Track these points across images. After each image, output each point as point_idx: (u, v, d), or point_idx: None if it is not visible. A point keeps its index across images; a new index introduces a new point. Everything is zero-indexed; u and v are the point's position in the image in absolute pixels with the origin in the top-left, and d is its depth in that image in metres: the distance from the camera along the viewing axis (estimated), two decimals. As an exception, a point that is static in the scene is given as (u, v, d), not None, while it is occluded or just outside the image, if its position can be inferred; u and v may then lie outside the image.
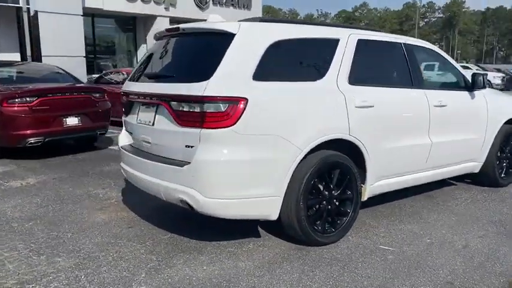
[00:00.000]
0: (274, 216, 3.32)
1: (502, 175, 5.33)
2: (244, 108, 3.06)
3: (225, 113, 3.05)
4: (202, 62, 3.35)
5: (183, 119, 3.21)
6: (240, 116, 3.06)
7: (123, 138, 4.15)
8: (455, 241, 3.79)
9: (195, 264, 3.31)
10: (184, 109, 3.20)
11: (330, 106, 3.55)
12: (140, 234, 3.86)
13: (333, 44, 3.71)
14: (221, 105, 3.05)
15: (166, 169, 3.35)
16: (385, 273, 3.20)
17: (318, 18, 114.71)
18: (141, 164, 3.64)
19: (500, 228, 4.10)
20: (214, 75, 3.10)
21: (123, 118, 4.14)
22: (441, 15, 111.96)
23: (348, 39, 3.75)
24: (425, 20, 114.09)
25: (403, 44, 4.32)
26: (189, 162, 3.21)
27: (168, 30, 3.81)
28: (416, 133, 4.23)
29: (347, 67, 3.70)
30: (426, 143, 4.30)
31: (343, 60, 3.70)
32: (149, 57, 4.03)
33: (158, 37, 4.04)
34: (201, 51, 3.48)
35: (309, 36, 3.65)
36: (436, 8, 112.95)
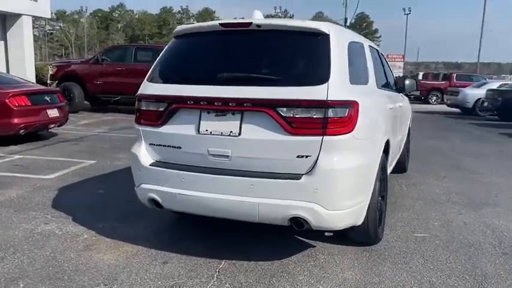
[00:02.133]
0: (360, 221, 3.32)
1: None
2: (358, 112, 2.99)
3: (346, 118, 2.92)
4: (301, 63, 3.08)
5: (297, 127, 2.89)
6: (357, 121, 2.97)
7: (149, 154, 3.37)
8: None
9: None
10: (301, 115, 2.89)
11: (383, 107, 3.75)
12: (192, 267, 3.30)
13: (362, 48, 3.89)
14: (343, 109, 2.91)
15: (270, 184, 2.95)
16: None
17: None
18: (217, 183, 3.07)
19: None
20: (330, 78, 2.92)
21: (150, 129, 3.36)
22: (195, 22, 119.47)
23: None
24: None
25: (377, 49, 4.79)
26: (302, 174, 2.93)
27: (225, 25, 3.28)
28: (397, 129, 4.78)
29: (372, 70, 3.95)
30: (401, 137, 4.93)
31: (369, 64, 3.92)
32: (187, 54, 3.40)
33: (197, 32, 3.44)
34: (293, 51, 3.16)
35: (359, 41, 3.74)
36: (191, 14, 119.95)
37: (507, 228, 4.22)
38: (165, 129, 3.26)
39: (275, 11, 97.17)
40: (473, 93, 17.54)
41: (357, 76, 3.35)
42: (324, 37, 3.08)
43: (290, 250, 3.59)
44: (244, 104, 2.98)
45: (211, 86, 3.10)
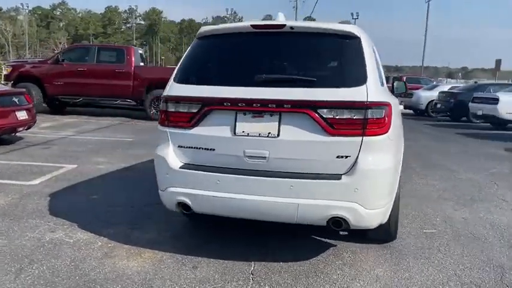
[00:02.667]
0: (386, 220, 3.40)
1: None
2: (391, 113, 3.10)
3: (382, 119, 3.01)
4: (337, 65, 3.14)
5: (338, 128, 2.95)
6: (391, 122, 3.08)
7: (178, 157, 3.30)
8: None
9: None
10: (342, 116, 2.95)
11: (399, 109, 3.89)
12: (223, 270, 3.28)
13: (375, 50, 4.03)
14: (380, 111, 3.00)
15: (310, 185, 2.98)
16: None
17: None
18: (255, 185, 3.06)
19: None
20: (368, 79, 3.01)
21: (179, 131, 3.29)
22: (142, 21, 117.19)
23: None
24: (128, 25, 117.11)
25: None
26: (342, 174, 2.99)
27: (257, 26, 3.28)
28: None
29: (382, 72, 4.09)
30: None
31: (380, 66, 4.06)
32: (217, 55, 3.37)
33: (226, 33, 3.41)
34: (328, 53, 3.21)
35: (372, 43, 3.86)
36: (137, 14, 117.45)
37: (502, 222, 4.49)
38: (197, 131, 3.21)
39: (227, 12, 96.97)
40: (426, 96, 18.43)
41: (381, 78, 3.46)
42: (356, 40, 3.15)
43: (313, 250, 3.64)
44: (285, 106, 2.99)
45: (249, 88, 3.09)
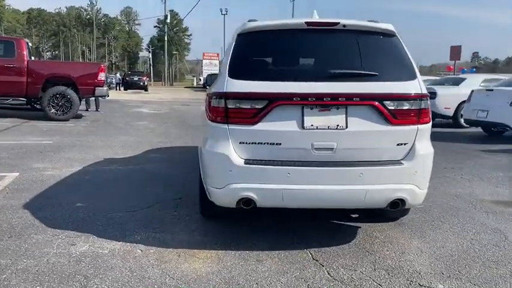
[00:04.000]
0: None
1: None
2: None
3: (428, 108, 3.43)
4: (389, 60, 3.44)
5: (400, 117, 3.28)
6: (430, 111, 3.52)
7: (239, 153, 3.29)
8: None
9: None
10: (402, 107, 3.29)
11: None
12: (287, 259, 3.41)
13: None
14: (427, 101, 3.41)
15: (374, 171, 3.27)
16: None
17: None
18: (325, 175, 3.23)
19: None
20: (417, 73, 3.40)
21: (241, 127, 3.28)
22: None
23: None
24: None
25: None
26: (401, 160, 3.34)
27: (312, 23, 3.41)
28: None
29: None
30: None
31: None
32: (274, 51, 3.43)
33: (280, 29, 3.48)
34: (378, 49, 3.48)
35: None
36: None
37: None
38: (261, 126, 3.24)
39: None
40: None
41: None
42: (396, 37, 3.51)
43: (346, 233, 3.92)
44: (354, 99, 3.21)
45: (316, 83, 3.23)
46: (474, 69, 42.83)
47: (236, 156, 3.27)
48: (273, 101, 3.21)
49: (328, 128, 3.22)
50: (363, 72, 3.32)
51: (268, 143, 3.25)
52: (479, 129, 11.38)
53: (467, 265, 3.32)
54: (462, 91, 11.87)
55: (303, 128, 3.21)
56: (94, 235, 3.76)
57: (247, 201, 3.30)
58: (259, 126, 3.24)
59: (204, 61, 59.83)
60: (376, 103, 3.22)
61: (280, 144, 3.25)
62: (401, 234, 3.93)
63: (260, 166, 3.23)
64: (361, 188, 3.24)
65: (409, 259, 3.42)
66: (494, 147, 9.18)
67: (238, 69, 3.34)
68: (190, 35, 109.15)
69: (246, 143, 3.27)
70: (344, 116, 3.23)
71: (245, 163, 3.25)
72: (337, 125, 3.22)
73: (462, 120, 11.85)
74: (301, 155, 3.25)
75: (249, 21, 3.60)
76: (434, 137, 3.64)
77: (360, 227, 4.10)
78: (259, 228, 4.01)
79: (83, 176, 5.92)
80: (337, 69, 3.31)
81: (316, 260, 3.38)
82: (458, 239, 3.85)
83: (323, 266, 3.28)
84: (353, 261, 3.35)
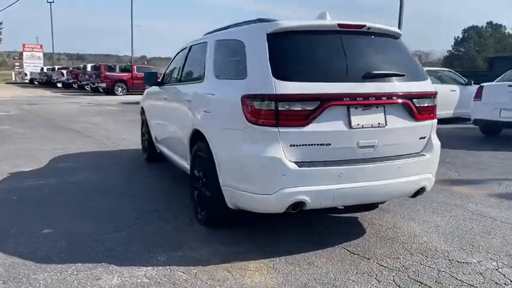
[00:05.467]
0: None
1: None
2: None
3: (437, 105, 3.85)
4: (407, 61, 3.70)
5: (423, 114, 3.60)
6: None
7: (290, 156, 3.20)
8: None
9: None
10: (425, 104, 3.61)
11: None
12: (343, 261, 3.49)
13: None
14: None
15: (407, 164, 3.53)
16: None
17: None
18: (370, 172, 3.36)
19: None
20: (427, 73, 3.79)
21: (292, 130, 3.19)
22: None
23: None
24: None
25: None
26: (421, 152, 3.70)
27: (343, 25, 3.45)
28: None
29: None
30: None
31: None
32: (312, 51, 3.38)
33: (312, 30, 3.43)
34: (397, 51, 3.69)
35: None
36: None
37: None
38: (312, 128, 3.21)
39: None
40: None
41: None
42: (399, 40, 3.83)
43: (354, 225, 4.13)
44: (393, 98, 3.41)
45: (361, 83, 3.34)
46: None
47: (288, 159, 3.17)
48: (325, 102, 3.20)
49: (372, 126, 3.35)
50: (396, 72, 3.53)
51: (318, 144, 3.24)
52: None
53: (472, 238, 3.81)
54: None
55: (351, 127, 3.28)
56: (110, 264, 3.25)
57: (296, 205, 3.24)
58: (310, 127, 3.20)
59: (25, 53, 53.24)
60: (408, 101, 3.47)
61: (330, 144, 3.26)
62: (398, 220, 4.28)
63: (313, 168, 3.20)
64: (400, 181, 3.47)
65: (426, 241, 3.77)
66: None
67: (282, 70, 3.22)
68: (1, 23, 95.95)
69: (297, 145, 3.20)
70: (383, 114, 3.41)
71: (299, 166, 3.18)
72: (379, 123, 3.38)
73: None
74: (347, 154, 3.33)
75: (270, 20, 3.51)
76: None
77: (358, 217, 4.33)
78: (273, 231, 3.95)
79: (6, 196, 4.93)
80: (374, 70, 3.45)
81: (358, 254, 3.49)
82: (444, 218, 4.37)
83: (369, 259, 3.41)
84: (389, 250, 3.56)
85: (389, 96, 3.41)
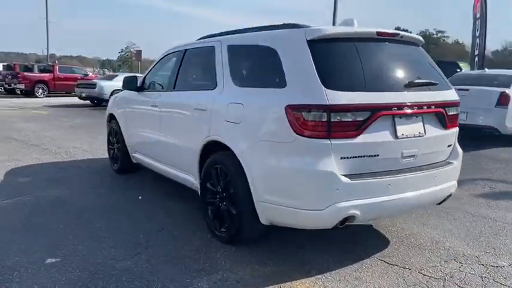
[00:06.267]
0: None
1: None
2: None
3: None
4: (434, 69, 3.73)
5: (451, 122, 3.67)
6: None
7: (341, 169, 3.09)
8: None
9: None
10: (453, 113, 3.68)
11: None
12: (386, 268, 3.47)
13: None
14: None
15: (440, 172, 3.56)
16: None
17: None
18: (413, 181, 3.34)
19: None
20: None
21: (343, 141, 3.07)
22: None
23: None
24: None
25: None
26: (447, 159, 3.77)
27: (381, 33, 3.39)
28: None
29: None
30: None
31: None
32: (357, 59, 3.26)
33: (353, 37, 3.32)
34: (425, 59, 3.70)
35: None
36: None
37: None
38: (362, 139, 3.11)
39: None
40: (110, 85, 18.56)
41: None
42: (422, 49, 3.87)
43: (371, 235, 4.11)
44: (431, 107, 3.42)
45: (403, 92, 3.30)
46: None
47: (340, 173, 3.05)
48: (375, 112, 3.13)
49: (414, 136, 3.34)
50: (432, 81, 3.54)
51: (367, 156, 3.16)
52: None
53: (488, 241, 3.95)
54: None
55: (396, 137, 3.24)
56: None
57: (345, 220, 3.14)
58: (360, 138, 3.11)
59: None
60: (442, 110, 3.51)
61: (378, 155, 3.19)
62: (410, 225, 4.32)
63: (363, 180, 3.11)
64: (436, 189, 3.50)
65: (450, 246, 3.85)
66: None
67: (331, 80, 3.09)
68: None
69: (348, 157, 3.09)
70: (421, 123, 3.41)
71: (351, 179, 3.07)
72: (419, 132, 3.37)
73: None
74: (393, 165, 3.28)
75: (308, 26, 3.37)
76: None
77: (373, 224, 4.32)
78: (302, 247, 3.81)
79: (20, 209, 4.36)
80: (413, 79, 3.43)
81: (397, 265, 3.47)
82: (451, 222, 4.50)
83: (410, 269, 3.40)
84: (423, 258, 3.58)
85: (428, 105, 3.41)
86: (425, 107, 3.40)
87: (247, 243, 3.72)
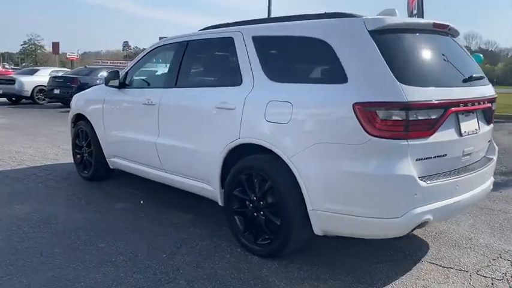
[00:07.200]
0: None
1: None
2: None
3: None
4: (474, 63, 3.60)
5: (492, 117, 3.58)
6: None
7: (416, 171, 2.84)
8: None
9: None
10: (494, 108, 3.60)
11: None
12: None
13: None
14: None
15: (489, 169, 3.46)
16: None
17: None
18: (473, 180, 3.19)
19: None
20: None
21: (419, 142, 2.82)
22: None
23: None
24: None
25: None
26: (488, 155, 3.69)
27: (437, 25, 3.17)
28: None
29: None
30: None
31: None
32: (418, 52, 3.04)
33: (411, 28, 3.07)
34: (462, 53, 3.52)
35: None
36: None
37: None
38: (434, 138, 2.88)
39: None
40: (32, 81, 16.95)
41: None
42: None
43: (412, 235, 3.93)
44: (486, 102, 3.30)
45: (463, 88, 3.13)
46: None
47: (417, 175, 2.82)
48: (447, 109, 2.92)
49: (472, 133, 3.19)
50: (481, 75, 3.40)
51: (437, 156, 2.95)
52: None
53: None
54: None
55: (461, 135, 3.07)
56: None
57: (416, 226, 2.93)
58: (432, 138, 2.89)
59: None
60: (490, 105, 3.41)
61: (446, 155, 3.00)
62: (437, 224, 4.21)
63: (436, 183, 2.90)
64: (485, 186, 3.41)
65: (486, 243, 3.79)
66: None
67: (403, 74, 2.81)
68: None
69: (422, 159, 2.86)
70: (476, 119, 3.28)
71: (428, 183, 2.84)
72: (475, 129, 3.24)
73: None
74: (455, 164, 3.12)
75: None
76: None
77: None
78: (348, 255, 3.54)
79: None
80: (468, 73, 3.26)
81: (452, 268, 3.33)
82: (467, 216, 4.47)
83: (467, 271, 3.27)
84: (472, 259, 3.46)
85: (482, 101, 3.29)
86: (481, 103, 3.27)
87: (288, 256, 3.35)
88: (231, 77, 3.64)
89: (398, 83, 2.73)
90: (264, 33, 3.54)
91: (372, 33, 2.91)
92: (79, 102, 5.65)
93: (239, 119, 3.41)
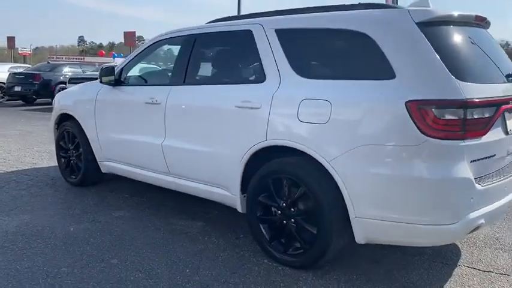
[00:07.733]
0: None
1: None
2: None
3: None
4: (505, 58, 3.44)
5: None
6: None
7: (471, 173, 2.67)
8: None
9: None
10: None
11: None
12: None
13: None
14: None
15: None
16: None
17: None
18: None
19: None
20: None
21: (473, 142, 2.64)
22: None
23: None
24: None
25: None
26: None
27: (478, 18, 3.00)
28: None
29: None
30: None
31: None
32: (462, 46, 2.85)
33: (455, 21, 2.88)
34: (496, 47, 3.36)
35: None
36: None
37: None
38: (485, 138, 2.70)
39: None
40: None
41: None
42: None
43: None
44: None
45: (508, 84, 2.98)
46: (121, 54, 42.81)
47: (473, 178, 2.64)
48: (500, 106, 2.76)
49: None
50: None
51: (488, 157, 2.78)
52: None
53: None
54: None
55: (507, 133, 2.92)
56: None
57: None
58: (485, 138, 2.71)
59: None
60: None
61: (495, 155, 2.84)
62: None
63: (489, 185, 2.74)
64: None
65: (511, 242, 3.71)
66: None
67: (458, 70, 2.62)
68: None
69: (476, 160, 2.68)
70: None
71: (483, 186, 2.67)
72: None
73: None
74: (500, 164, 2.96)
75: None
76: None
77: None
78: (378, 262, 3.35)
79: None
80: (509, 69, 3.11)
81: (491, 272, 3.21)
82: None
83: (508, 274, 3.16)
84: (507, 261, 3.36)
85: None
86: None
87: (321, 266, 3.12)
88: (251, 73, 3.36)
89: (454, 79, 2.53)
90: (289, 25, 3.27)
91: (420, 25, 2.70)
92: (64, 101, 5.17)
93: (266, 119, 3.13)
